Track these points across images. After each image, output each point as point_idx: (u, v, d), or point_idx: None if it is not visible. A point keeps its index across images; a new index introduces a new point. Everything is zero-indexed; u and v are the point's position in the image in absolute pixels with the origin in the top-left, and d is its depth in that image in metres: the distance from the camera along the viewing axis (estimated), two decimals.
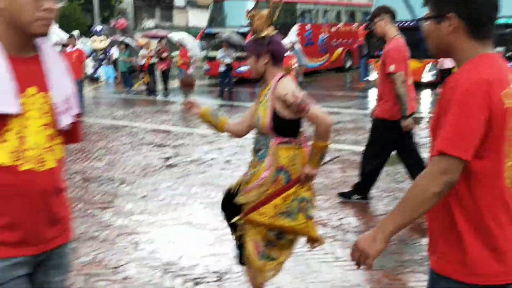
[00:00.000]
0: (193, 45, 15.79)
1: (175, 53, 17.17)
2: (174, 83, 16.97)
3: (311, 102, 2.94)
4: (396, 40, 5.07)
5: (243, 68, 21.08)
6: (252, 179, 3.08)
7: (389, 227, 1.71)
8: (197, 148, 8.21)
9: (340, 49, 25.11)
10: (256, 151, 3.12)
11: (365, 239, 1.74)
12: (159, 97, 16.07)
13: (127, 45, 17.17)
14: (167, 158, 7.53)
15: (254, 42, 3.08)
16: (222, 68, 15.61)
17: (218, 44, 16.48)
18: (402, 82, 4.88)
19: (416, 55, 17.06)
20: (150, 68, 16.38)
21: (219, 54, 15.68)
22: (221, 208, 3.36)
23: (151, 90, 16.52)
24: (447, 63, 17.64)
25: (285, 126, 2.99)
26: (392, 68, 4.87)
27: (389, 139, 5.22)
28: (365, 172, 5.42)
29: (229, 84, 15.83)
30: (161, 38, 16.92)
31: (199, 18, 43.12)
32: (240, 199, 3.12)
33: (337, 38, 24.96)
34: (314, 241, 3.19)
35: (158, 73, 16.56)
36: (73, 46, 12.44)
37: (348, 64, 25.83)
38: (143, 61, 16.41)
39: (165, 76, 16.49)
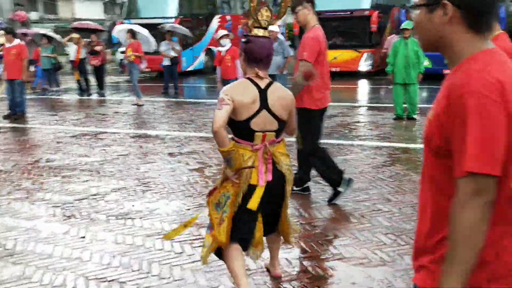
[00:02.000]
0: (149, 38, 14.20)
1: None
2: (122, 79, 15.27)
3: (219, 106, 2.95)
4: (315, 29, 4.87)
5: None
6: None
7: (454, 282, 1.42)
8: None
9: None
10: None
11: None
12: (94, 97, 14.38)
13: (50, 39, 15.06)
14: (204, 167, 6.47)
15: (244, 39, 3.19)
16: (166, 62, 14.33)
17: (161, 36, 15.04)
18: (300, 72, 4.74)
19: (353, 45, 17.64)
20: (81, 65, 14.58)
21: (162, 46, 14.37)
22: None
23: (84, 89, 14.74)
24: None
25: (231, 125, 3.07)
26: (305, 55, 4.71)
27: (315, 127, 5.05)
28: (319, 169, 5.12)
29: (174, 80, 14.60)
30: (93, 30, 15.14)
31: (87, 9, 40.16)
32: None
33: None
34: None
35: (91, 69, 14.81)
36: (11, 41, 10.50)
37: None
38: (72, 57, 14.56)
39: (99, 72, 14.77)
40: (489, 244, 1.44)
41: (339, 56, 17.53)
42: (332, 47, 18.28)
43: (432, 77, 15.20)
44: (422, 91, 14.04)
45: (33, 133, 9.30)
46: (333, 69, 17.94)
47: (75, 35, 14.59)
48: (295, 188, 4.98)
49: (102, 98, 14.23)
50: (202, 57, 20.41)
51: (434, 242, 1.53)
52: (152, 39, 14.25)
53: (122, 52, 21.22)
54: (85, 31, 15.51)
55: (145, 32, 13.93)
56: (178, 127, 9.42)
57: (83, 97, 14.40)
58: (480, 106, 1.38)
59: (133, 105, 12.29)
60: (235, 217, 3.13)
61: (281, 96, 3.14)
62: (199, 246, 4.17)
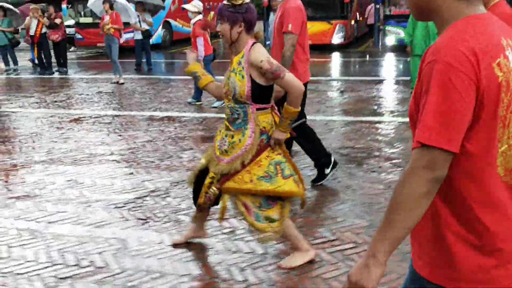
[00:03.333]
0: (129, 8, 12.85)
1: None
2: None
3: (284, 69, 3.00)
4: (295, 0, 4.60)
5: (127, 36, 18.64)
6: (234, 148, 3.11)
7: (381, 248, 1.38)
8: None
9: (212, 13, 23.70)
10: (231, 120, 3.13)
11: (357, 270, 1.41)
12: (56, 75, 13.00)
13: (5, 11, 13.35)
14: None
15: (230, 8, 3.04)
16: (137, 36, 13.16)
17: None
18: (292, 46, 4.43)
19: (324, 17, 17.15)
20: (42, 40, 13.09)
21: (132, 19, 13.17)
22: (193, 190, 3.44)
23: (44, 67, 13.28)
24: (371, 19, 17.69)
25: (262, 93, 3.04)
26: (290, 27, 4.44)
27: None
28: (308, 150, 4.75)
29: (147, 55, 13.46)
30: (50, 0, 13.62)
31: None
32: (222, 168, 3.13)
33: (208, 1, 23.42)
34: (301, 200, 3.28)
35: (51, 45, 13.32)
36: None
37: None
38: (33, 32, 13.04)
39: (60, 48, 13.35)
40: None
41: (310, 28, 16.95)
42: None
43: None
44: None
45: (20, 118, 8.05)
46: None
47: (34, 7, 13.02)
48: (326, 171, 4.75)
49: (65, 76, 12.90)
50: (159, 31, 19.18)
51: (427, 226, 1.45)
52: (132, 10, 12.99)
53: (68, 26, 19.65)
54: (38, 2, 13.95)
55: (123, 1, 12.66)
56: (186, 107, 8.51)
57: (45, 76, 12.98)
58: (445, 76, 1.30)
59: (113, 83, 11.15)
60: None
61: None
62: (348, 249, 3.53)
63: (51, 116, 8.03)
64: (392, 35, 15.55)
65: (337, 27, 16.83)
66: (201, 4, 8.78)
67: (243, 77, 3.01)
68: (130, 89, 10.55)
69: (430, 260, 1.46)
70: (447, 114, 1.30)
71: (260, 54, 3.01)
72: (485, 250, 1.40)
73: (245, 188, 3.07)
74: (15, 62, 13.84)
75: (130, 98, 9.62)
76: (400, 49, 15.51)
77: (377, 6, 16.71)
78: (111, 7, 11.27)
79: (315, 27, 17.22)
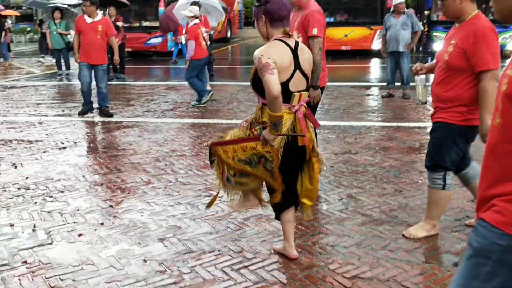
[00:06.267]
0: (217, 9, 12.22)
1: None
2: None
3: (269, 71, 2.88)
4: (314, 3, 4.76)
5: (155, 40, 18.02)
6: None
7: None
8: None
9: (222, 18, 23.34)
10: None
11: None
12: (114, 81, 12.35)
13: (62, 12, 12.54)
14: None
15: (255, 3, 3.10)
16: None
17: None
18: (320, 49, 4.59)
19: (365, 22, 17.05)
20: None
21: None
22: None
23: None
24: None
25: (262, 88, 2.96)
26: (315, 31, 4.57)
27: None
28: None
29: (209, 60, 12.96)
30: (111, 2, 12.94)
31: None
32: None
33: None
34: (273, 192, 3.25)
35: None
36: (94, 15, 8.31)
37: (229, 34, 24.26)
38: None
39: (120, 53, 12.67)
40: None
41: (350, 34, 16.90)
42: (342, 24, 17.50)
43: None
44: None
45: (159, 130, 7.50)
46: (344, 48, 17.32)
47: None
48: None
49: (126, 82, 12.28)
50: (171, 38, 18.64)
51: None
52: (221, 12, 12.35)
53: None
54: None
55: (215, 3, 12.07)
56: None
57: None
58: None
59: None
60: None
61: (307, 54, 3.16)
62: None
63: (191, 126, 7.55)
64: (439, 41, 15.66)
65: (377, 33, 16.80)
66: (197, 8, 9.30)
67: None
68: (225, 96, 10.10)
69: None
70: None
71: (260, 49, 2.97)
72: None
73: (225, 161, 3.15)
74: (68, 67, 13.07)
75: (230, 103, 9.21)
76: None
77: (425, 12, 16.78)
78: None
79: (354, 32, 17.15)
